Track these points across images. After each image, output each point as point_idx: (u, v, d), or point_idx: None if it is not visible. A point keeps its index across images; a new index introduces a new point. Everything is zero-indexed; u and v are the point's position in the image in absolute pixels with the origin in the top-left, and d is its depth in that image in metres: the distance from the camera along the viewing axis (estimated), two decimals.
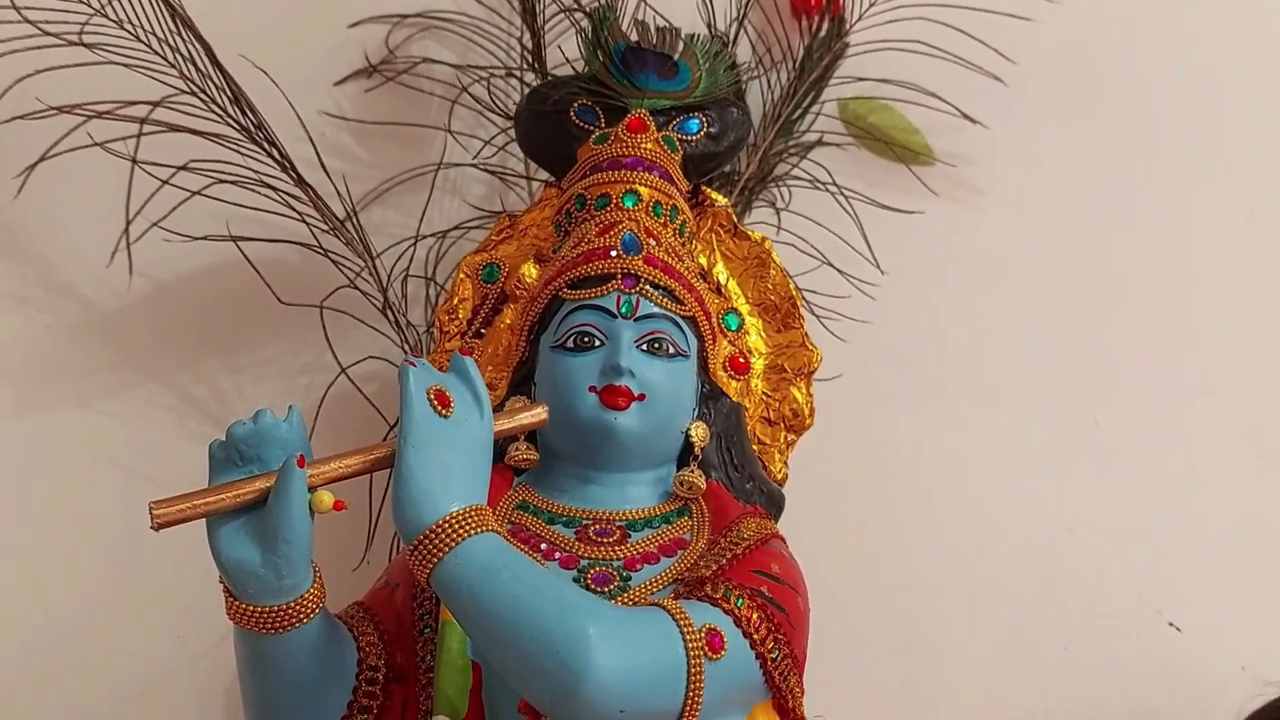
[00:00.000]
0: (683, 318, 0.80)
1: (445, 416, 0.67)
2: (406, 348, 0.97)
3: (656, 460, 0.79)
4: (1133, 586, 1.06)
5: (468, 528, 0.65)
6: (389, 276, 0.98)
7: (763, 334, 0.91)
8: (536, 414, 0.72)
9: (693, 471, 0.79)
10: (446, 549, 0.65)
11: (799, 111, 1.09)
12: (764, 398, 0.89)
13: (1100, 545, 1.06)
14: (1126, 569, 1.06)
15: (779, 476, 0.89)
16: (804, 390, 0.90)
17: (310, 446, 0.69)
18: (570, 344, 0.78)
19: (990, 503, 1.06)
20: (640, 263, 0.80)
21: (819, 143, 1.09)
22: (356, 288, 0.97)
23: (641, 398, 0.77)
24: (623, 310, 0.79)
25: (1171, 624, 1.05)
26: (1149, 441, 1.07)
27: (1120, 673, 1.05)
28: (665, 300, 0.80)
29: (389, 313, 0.97)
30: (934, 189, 1.07)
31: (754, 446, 0.85)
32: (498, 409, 0.78)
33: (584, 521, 0.77)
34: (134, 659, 1.03)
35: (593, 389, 0.77)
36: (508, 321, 0.86)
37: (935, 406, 1.07)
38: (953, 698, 1.05)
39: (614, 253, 0.80)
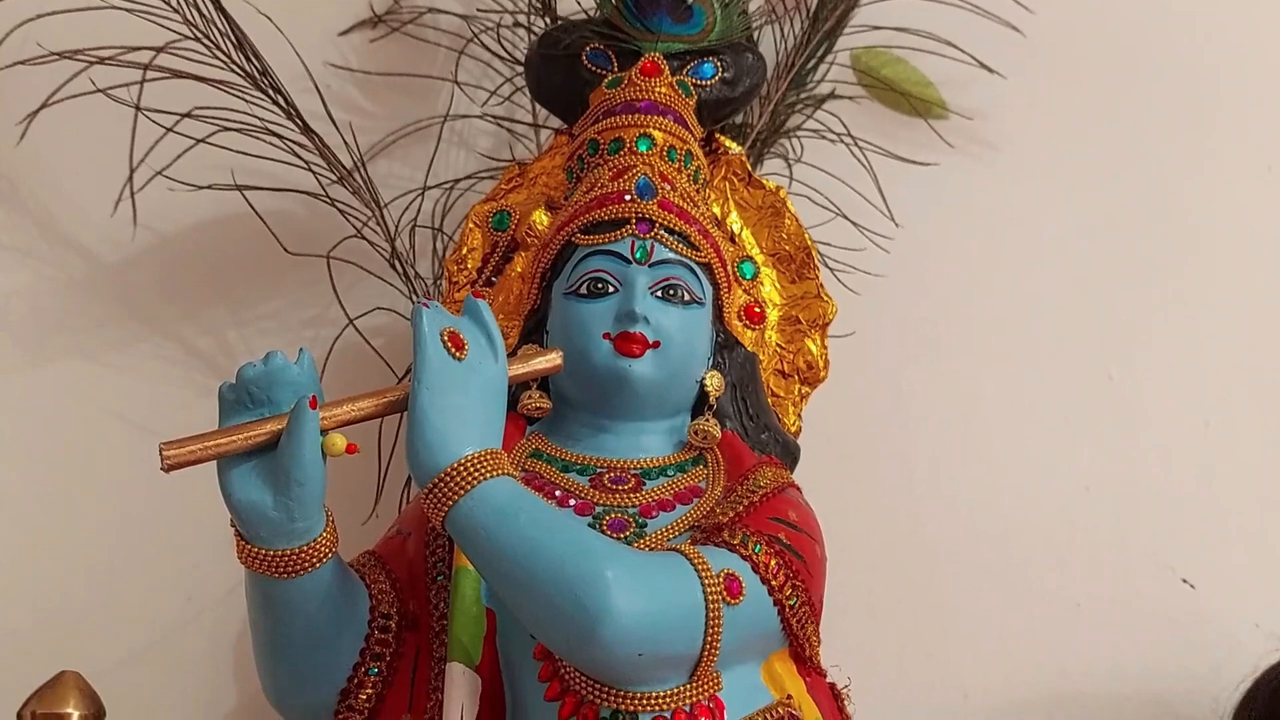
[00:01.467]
0: (698, 264, 0.79)
1: (459, 359, 0.65)
2: (414, 299, 0.96)
3: (671, 409, 0.78)
4: (1147, 543, 1.05)
5: (484, 470, 0.64)
6: (397, 227, 0.97)
7: (777, 285, 0.89)
8: (551, 359, 0.71)
9: (707, 420, 0.78)
10: (462, 491, 0.63)
11: (811, 62, 1.08)
12: (778, 350, 0.88)
13: (1114, 502, 1.05)
14: (1140, 526, 1.05)
15: (793, 429, 0.87)
16: (818, 342, 0.88)
17: (322, 392, 0.68)
18: (584, 290, 0.77)
19: (1004, 460, 1.05)
20: (655, 207, 0.79)
21: (831, 95, 1.08)
22: (364, 238, 0.96)
23: (656, 345, 0.76)
24: (637, 255, 0.77)
25: (1185, 581, 1.04)
26: (1164, 398, 1.06)
27: (1134, 630, 1.03)
28: (680, 246, 0.78)
29: (397, 263, 0.95)
30: (949, 142, 1.06)
31: (767, 399, 0.84)
32: (511, 355, 0.77)
33: (598, 469, 0.75)
34: (142, 614, 1.01)
35: (607, 336, 0.76)
36: (518, 269, 0.85)
37: (949, 362, 1.06)
38: (965, 655, 1.04)
39: (628, 197, 0.79)
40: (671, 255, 0.78)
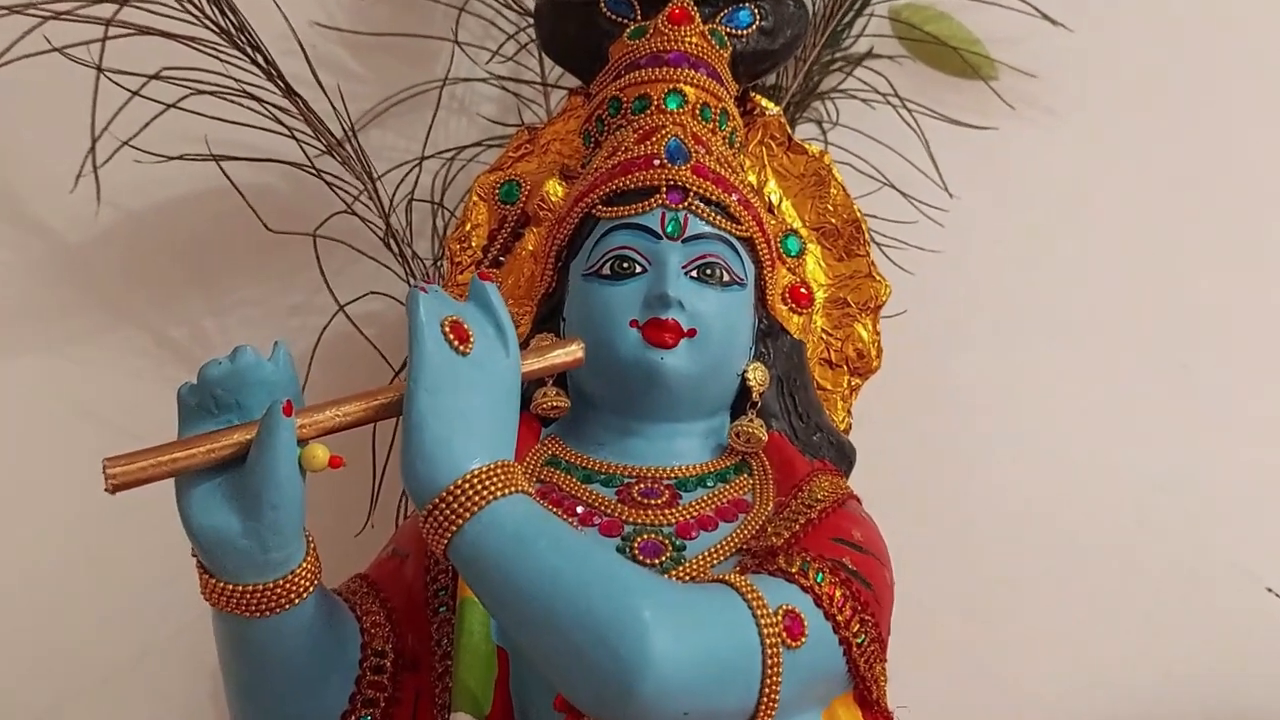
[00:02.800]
0: (738, 239, 0.69)
1: (463, 353, 0.55)
2: (411, 282, 0.86)
3: (709, 407, 0.68)
4: (1225, 549, 0.97)
5: (494, 488, 0.53)
6: (391, 202, 0.87)
7: (822, 263, 0.79)
8: (571, 351, 0.61)
9: (751, 421, 0.67)
10: (469, 514, 0.53)
11: (848, 17, 0.98)
12: (824, 336, 0.78)
13: (1190, 503, 0.97)
14: (1219, 529, 0.97)
15: (842, 427, 0.77)
16: (870, 327, 0.79)
17: (301, 394, 0.58)
18: (607, 270, 0.67)
19: (1066, 455, 0.97)
20: (688, 173, 0.68)
21: (869, 54, 0.99)
22: (355, 214, 0.87)
23: (692, 333, 0.66)
24: (669, 229, 0.67)
25: (1270, 590, 0.95)
26: (1245, 388, 0.98)
27: (1211, 644, 0.96)
28: (718, 218, 0.68)
29: (392, 242, 0.85)
30: (1009, 103, 0.97)
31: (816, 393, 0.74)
32: (523, 347, 0.67)
33: (626, 479, 0.65)
34: (112, 632, 0.93)
35: (634, 323, 0.66)
36: (530, 248, 0.74)
37: (1008, 348, 0.97)
38: (1025, 668, 0.96)
39: (657, 161, 0.68)
40: (708, 229, 0.68)
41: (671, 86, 0.71)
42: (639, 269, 0.66)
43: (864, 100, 0.97)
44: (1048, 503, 0.96)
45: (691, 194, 0.68)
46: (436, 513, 0.53)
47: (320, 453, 0.54)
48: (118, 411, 0.93)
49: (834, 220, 0.79)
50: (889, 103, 0.95)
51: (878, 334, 0.79)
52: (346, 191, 0.86)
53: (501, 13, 0.94)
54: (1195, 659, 0.96)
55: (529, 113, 0.98)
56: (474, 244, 0.78)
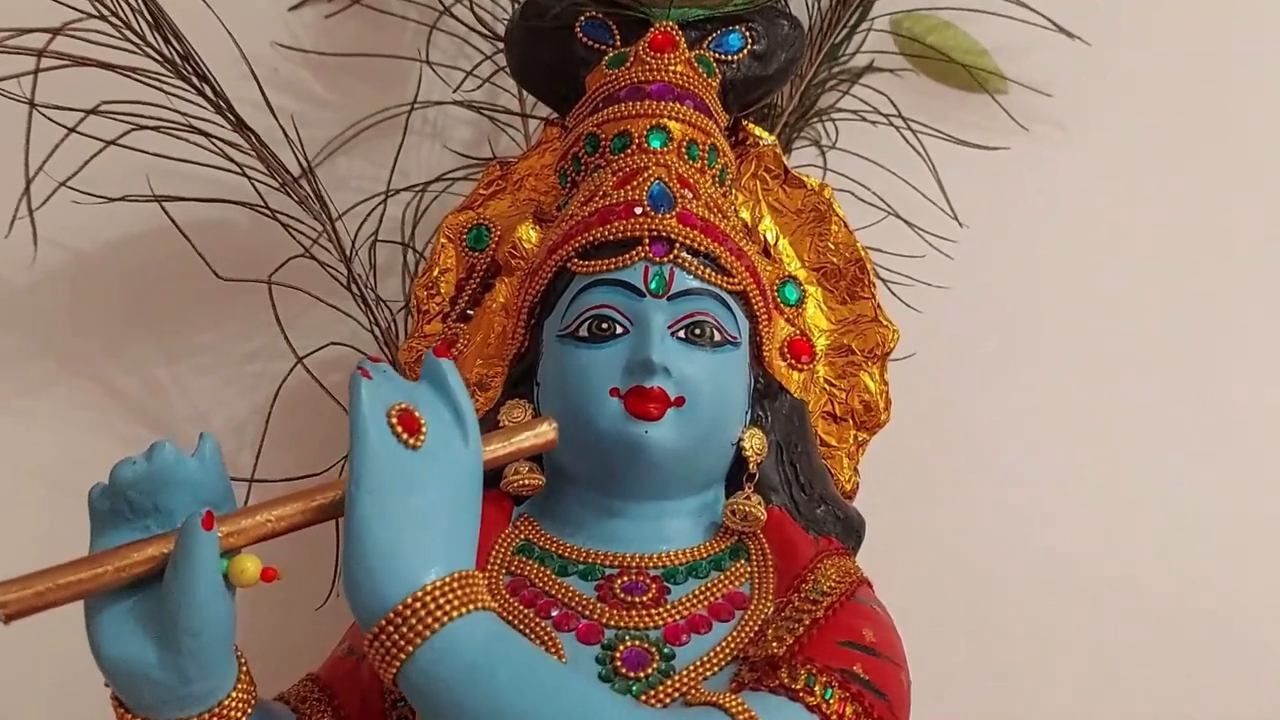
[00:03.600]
0: (730, 293, 0.62)
1: (413, 447, 0.48)
2: (377, 331, 0.79)
3: (700, 482, 0.61)
4: (1253, 591, 0.90)
5: (450, 606, 0.46)
6: (354, 243, 0.80)
7: (823, 306, 0.73)
8: (541, 434, 0.54)
9: (748, 498, 0.60)
10: (420, 639, 0.46)
11: (845, 30, 0.91)
12: (827, 387, 0.71)
13: (1225, 546, 0.90)
14: (1245, 570, 0.90)
15: (847, 487, 0.71)
16: (877, 377, 0.72)
17: (232, 492, 0.50)
18: (584, 332, 0.60)
19: (1086, 497, 0.90)
20: (673, 222, 0.61)
21: (869, 68, 0.92)
22: (313, 257, 0.79)
23: (679, 402, 0.59)
24: (652, 286, 0.60)
25: None
26: (1273, 424, 0.91)
27: (1239, 689, 0.89)
28: (708, 271, 0.61)
29: (354, 287, 0.78)
30: (1021, 124, 0.90)
31: (820, 456, 0.67)
32: (490, 423, 0.60)
33: (607, 570, 0.58)
34: (58, 714, 0.85)
35: (615, 392, 0.59)
36: (501, 300, 0.68)
37: (1019, 384, 0.90)
38: (1045, 717, 0.89)
39: (639, 209, 0.61)
40: (696, 284, 0.61)
41: (654, 122, 0.64)
42: (620, 330, 0.59)
43: (865, 119, 0.90)
44: (1070, 552, 0.89)
45: (678, 245, 0.61)
46: (384, 636, 0.46)
47: (250, 565, 0.47)
48: (66, 470, 0.84)
49: (835, 259, 0.73)
50: (892, 124, 0.88)
51: (885, 384, 0.72)
52: (304, 233, 0.79)
53: (476, 29, 0.87)
54: (1222, 705, 0.89)
55: (504, 139, 0.91)
56: (442, 290, 0.72)
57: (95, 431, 0.88)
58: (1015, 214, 0.90)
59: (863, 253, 0.73)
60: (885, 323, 0.72)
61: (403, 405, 0.48)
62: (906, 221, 0.84)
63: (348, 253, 0.78)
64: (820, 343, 0.71)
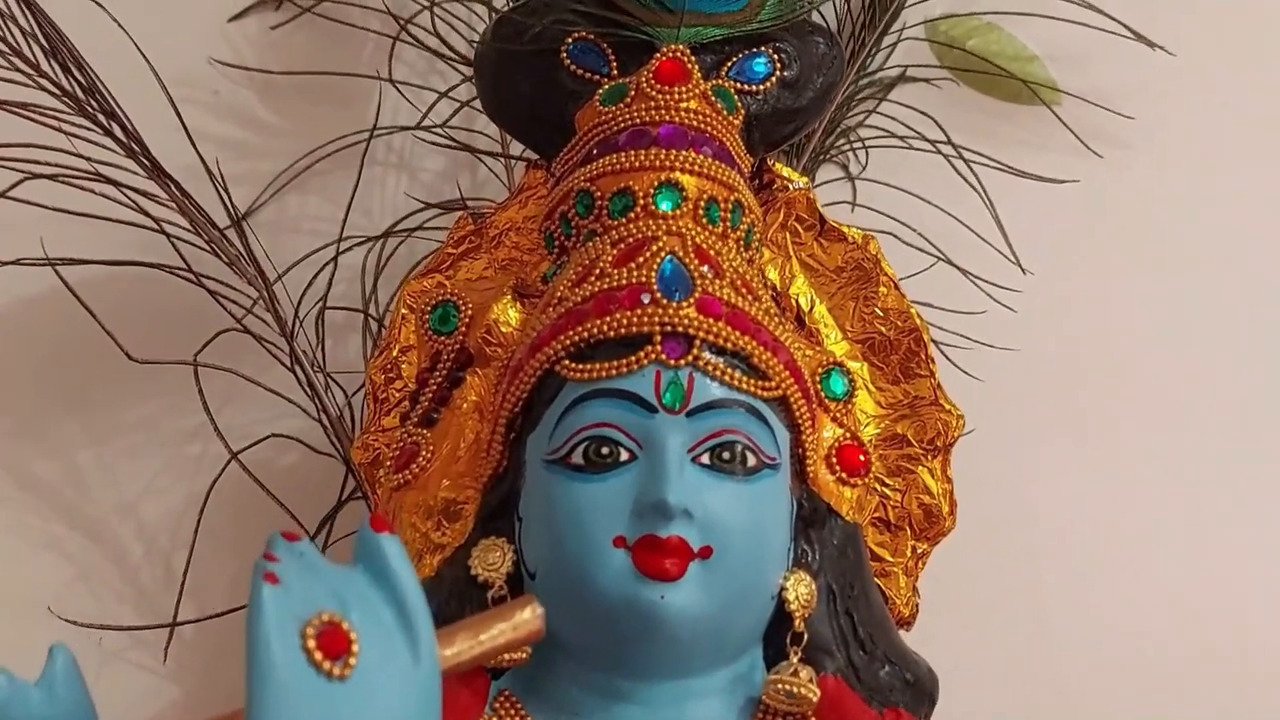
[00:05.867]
0: (768, 401, 0.48)
1: (340, 677, 0.34)
2: (325, 420, 0.65)
3: (733, 650, 0.48)
4: None
5: None
6: (296, 311, 0.66)
7: (870, 386, 0.60)
8: (523, 624, 0.40)
9: (795, 672, 0.47)
10: None
11: (875, 35, 0.80)
12: (878, 487, 0.58)
13: None
14: None
15: (905, 611, 0.58)
16: (939, 473, 0.60)
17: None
18: (579, 459, 0.47)
19: (1172, 577, 0.78)
20: (692, 312, 0.48)
21: (902, 78, 0.81)
22: (247, 330, 0.65)
23: (705, 553, 0.46)
24: (666, 399, 0.47)
25: None
26: None
27: None
28: (737, 375, 0.48)
29: (298, 368, 0.65)
30: (1095, 151, 0.77)
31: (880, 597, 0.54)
32: (460, 569, 0.47)
33: None
34: None
35: (621, 542, 0.46)
36: (473, 398, 0.54)
37: (1099, 460, 0.77)
38: None
39: (647, 296, 0.48)
40: (723, 392, 0.48)
41: (663, 177, 0.51)
42: (625, 456, 0.46)
43: (909, 144, 0.77)
44: (1159, 648, 0.77)
45: (698, 343, 0.48)
46: None
47: None
48: None
49: (885, 329, 0.60)
50: (939, 150, 0.74)
51: (949, 482, 0.60)
52: (238, 301, 0.66)
53: (438, 52, 0.73)
54: None
55: (483, 171, 0.77)
56: (404, 374, 0.59)
57: (6, 531, 0.75)
58: (1085, 255, 0.78)
59: (918, 321, 0.60)
60: (948, 406, 0.60)
61: (326, 616, 0.35)
62: (962, 270, 0.71)
63: (289, 325, 0.65)
64: (868, 431, 0.58)
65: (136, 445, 0.76)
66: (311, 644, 0.34)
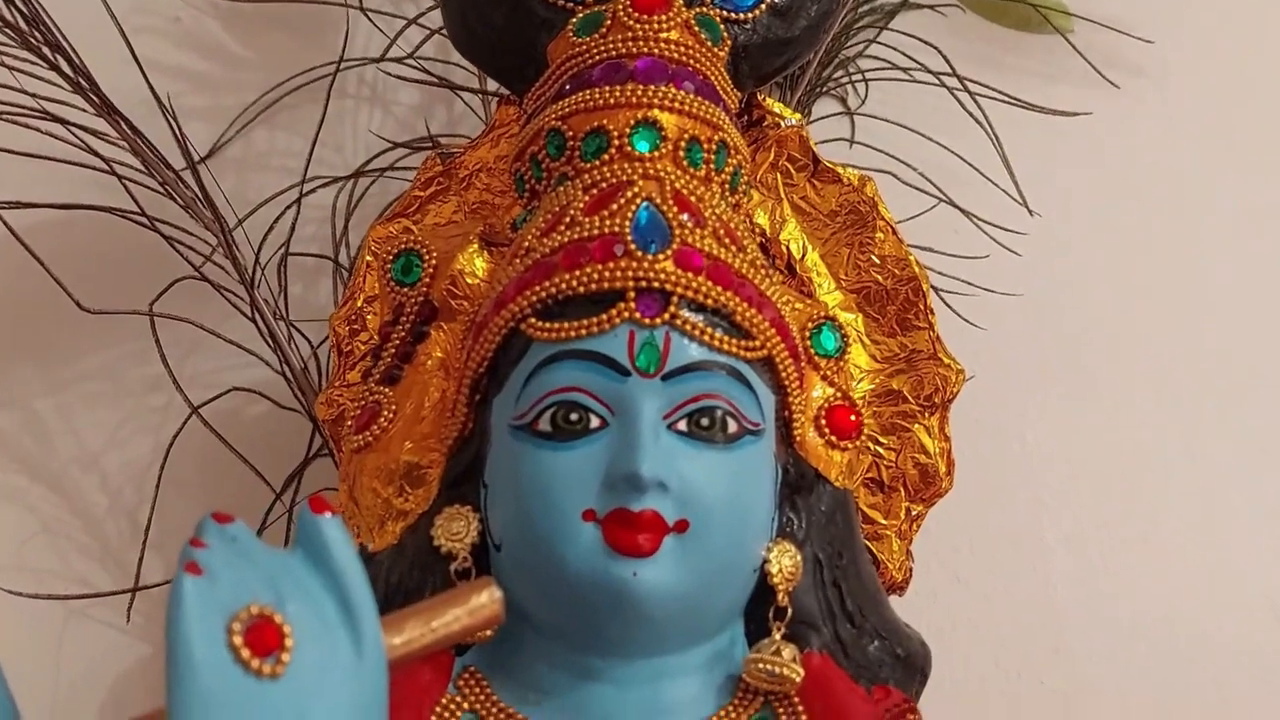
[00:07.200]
0: (751, 362, 0.45)
1: (271, 675, 0.31)
2: (288, 373, 0.62)
3: (711, 627, 0.45)
4: None
5: None
6: (257, 258, 0.62)
7: (865, 339, 0.56)
8: (479, 609, 0.37)
9: (777, 648, 0.44)
10: None
11: None
12: (870, 446, 0.55)
13: None
14: None
15: (897, 576, 0.55)
16: (936, 431, 0.57)
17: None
18: (545, 425, 0.44)
19: (1184, 550, 0.75)
20: (669, 265, 0.44)
21: (904, 5, 0.77)
22: (205, 278, 0.62)
23: (681, 527, 0.43)
24: (640, 361, 0.43)
25: None
26: None
27: None
28: (718, 334, 0.45)
29: (259, 318, 0.61)
30: (1083, 72, 0.73)
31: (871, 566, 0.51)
32: (423, 538, 0.44)
33: None
34: None
35: (590, 515, 0.43)
36: (438, 354, 0.51)
37: (1105, 413, 0.74)
38: None
39: (620, 248, 0.44)
40: (702, 354, 0.44)
41: (640, 115, 0.47)
42: (596, 423, 0.43)
43: (905, 73, 0.73)
44: (1163, 608, 0.73)
45: (675, 300, 0.44)
46: None
47: None
48: None
49: (881, 278, 0.57)
50: (944, 84, 0.70)
51: (947, 440, 0.56)
52: (195, 248, 0.62)
53: None
54: None
55: (459, 106, 0.73)
56: (369, 325, 0.55)
57: None
58: (1096, 195, 0.74)
59: (917, 269, 0.57)
60: (947, 360, 0.56)
61: (256, 609, 0.31)
62: (965, 211, 0.67)
63: (250, 274, 0.61)
64: (861, 387, 0.55)
65: (97, 393, 0.73)
66: (238, 640, 0.31)
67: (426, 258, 0.52)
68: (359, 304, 0.56)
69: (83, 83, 0.61)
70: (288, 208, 0.65)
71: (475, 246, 0.51)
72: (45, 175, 0.62)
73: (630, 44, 0.49)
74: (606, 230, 0.45)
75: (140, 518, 0.70)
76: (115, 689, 0.71)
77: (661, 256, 0.44)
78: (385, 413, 0.49)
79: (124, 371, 0.73)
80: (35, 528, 0.72)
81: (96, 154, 0.61)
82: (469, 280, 0.51)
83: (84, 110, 0.61)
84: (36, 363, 0.73)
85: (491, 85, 0.68)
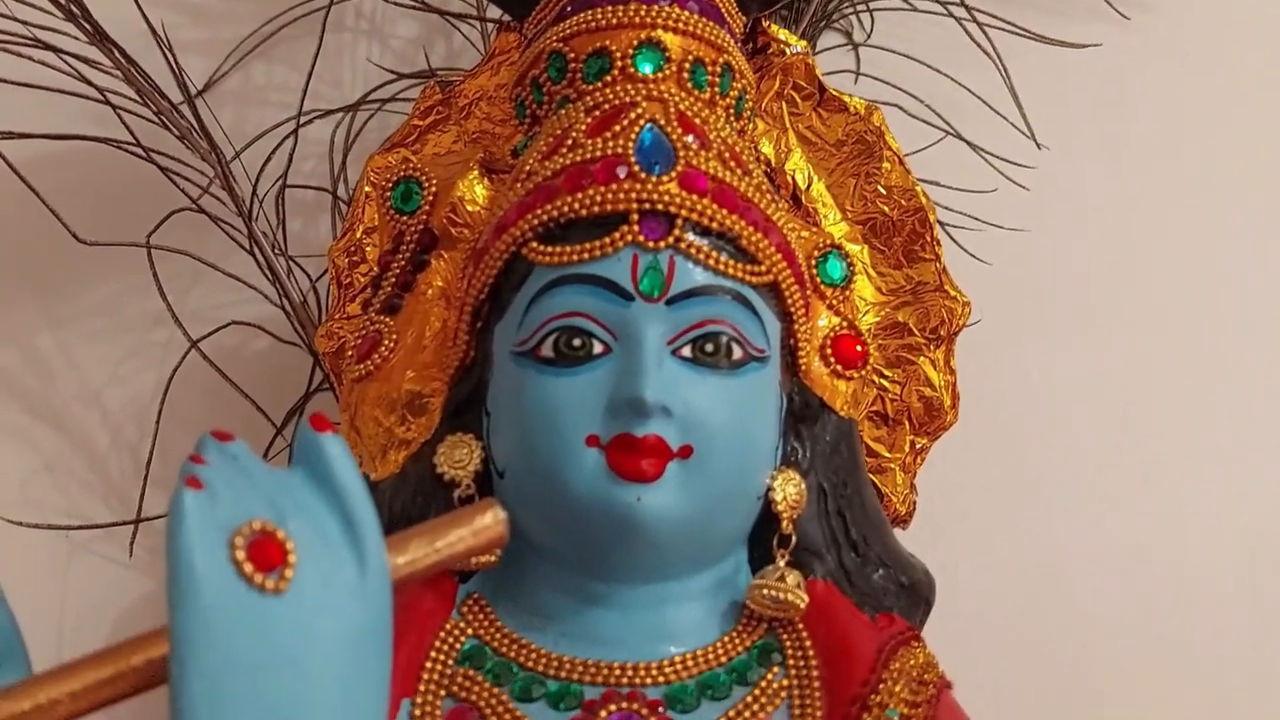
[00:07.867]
0: (757, 287, 0.44)
1: (275, 591, 0.31)
2: (288, 306, 0.61)
3: (715, 553, 0.45)
4: None
5: None
6: (254, 190, 0.61)
7: (870, 271, 0.56)
8: (484, 530, 0.36)
9: (781, 575, 0.44)
10: None
11: None
12: (875, 379, 0.54)
13: None
14: None
15: (901, 509, 0.55)
16: (941, 364, 0.56)
17: (25, 657, 0.34)
18: (548, 351, 0.43)
19: (1179, 464, 0.74)
20: (674, 187, 0.44)
21: None
22: (202, 210, 0.61)
23: (685, 453, 0.42)
24: (644, 285, 0.43)
25: None
26: None
27: None
28: (723, 258, 0.44)
29: (258, 251, 0.60)
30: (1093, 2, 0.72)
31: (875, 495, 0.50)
32: (425, 465, 0.43)
33: (587, 692, 0.42)
34: None
35: (594, 441, 0.42)
36: (439, 283, 0.50)
37: (1112, 353, 0.73)
38: None
39: (623, 169, 0.44)
40: (707, 278, 0.44)
41: (644, 35, 0.46)
42: (599, 349, 0.43)
43: (910, 3, 0.72)
44: (1166, 557, 0.73)
45: (680, 222, 0.43)
46: None
47: None
48: None
49: (888, 209, 0.56)
50: (951, 14, 0.69)
51: (953, 373, 0.56)
52: (192, 179, 0.61)
53: None
54: None
55: (458, 39, 0.72)
56: (369, 256, 0.55)
57: None
58: (1105, 129, 0.73)
59: (924, 200, 0.56)
60: (953, 292, 0.56)
61: (258, 525, 0.31)
62: (972, 144, 0.66)
63: (249, 206, 0.60)
64: (866, 319, 0.54)
65: (98, 329, 0.72)
66: (241, 555, 0.31)
67: (426, 185, 0.51)
68: (358, 235, 0.55)
69: (74, 10, 0.60)
70: (284, 139, 0.64)
71: (475, 173, 0.51)
72: (39, 106, 0.61)
73: None
74: (609, 152, 0.44)
75: (142, 454, 0.70)
76: (119, 624, 0.71)
77: (666, 178, 0.44)
78: (386, 341, 0.49)
79: (124, 306, 0.72)
80: (38, 465, 0.71)
81: (90, 83, 0.60)
82: (469, 208, 0.50)
83: (77, 39, 0.60)
84: (36, 298, 0.72)
85: (492, 13, 0.66)
